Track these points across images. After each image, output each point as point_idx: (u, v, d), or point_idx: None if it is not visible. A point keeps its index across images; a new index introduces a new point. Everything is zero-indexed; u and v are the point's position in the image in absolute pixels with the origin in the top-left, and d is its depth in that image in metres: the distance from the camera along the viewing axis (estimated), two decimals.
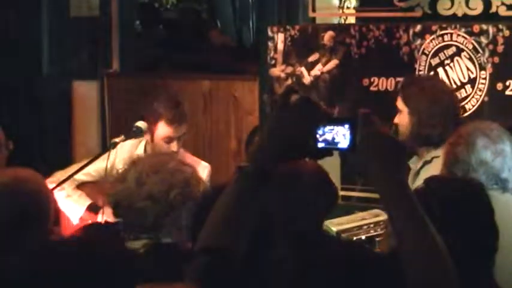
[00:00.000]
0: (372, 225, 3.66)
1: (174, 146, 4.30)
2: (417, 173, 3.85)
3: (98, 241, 2.80)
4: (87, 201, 4.33)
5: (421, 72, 4.71)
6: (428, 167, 3.82)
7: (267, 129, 1.93)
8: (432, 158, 3.83)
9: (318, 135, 1.88)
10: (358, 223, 3.73)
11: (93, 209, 4.30)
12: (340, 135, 1.87)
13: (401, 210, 1.85)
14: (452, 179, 2.77)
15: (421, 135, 3.84)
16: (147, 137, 4.37)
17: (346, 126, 1.87)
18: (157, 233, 2.78)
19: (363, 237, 3.63)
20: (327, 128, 1.88)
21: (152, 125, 4.29)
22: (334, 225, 3.67)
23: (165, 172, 2.83)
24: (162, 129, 4.30)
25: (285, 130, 1.89)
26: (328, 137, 1.88)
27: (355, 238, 3.62)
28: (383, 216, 3.50)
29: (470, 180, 2.67)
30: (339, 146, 1.88)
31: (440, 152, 3.68)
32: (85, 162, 4.21)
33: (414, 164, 3.89)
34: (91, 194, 4.38)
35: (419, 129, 3.83)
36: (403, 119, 3.88)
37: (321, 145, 1.88)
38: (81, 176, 4.35)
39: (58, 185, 4.01)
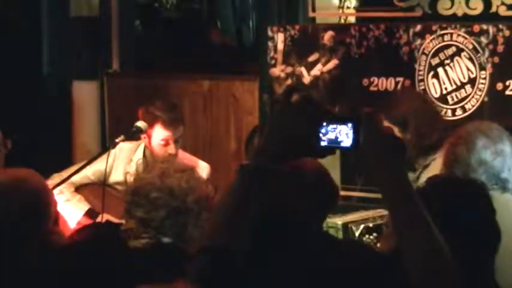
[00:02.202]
0: (377, 218, 3.68)
1: (171, 149, 4.30)
2: (417, 178, 3.85)
3: (98, 241, 2.80)
4: (86, 206, 4.33)
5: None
6: (427, 170, 3.82)
7: (268, 128, 1.93)
8: (430, 161, 3.84)
9: (321, 134, 1.88)
10: (363, 217, 3.76)
11: (91, 214, 4.30)
12: (343, 134, 1.87)
13: (404, 209, 1.85)
14: (454, 179, 2.77)
15: (424, 146, 3.84)
16: (145, 140, 4.38)
17: (349, 125, 1.87)
18: (159, 234, 2.77)
19: (371, 224, 3.66)
20: (330, 126, 1.88)
21: (149, 129, 4.29)
22: (338, 219, 3.69)
23: (192, 176, 2.85)
24: (159, 132, 4.30)
25: (286, 129, 1.89)
26: (331, 135, 1.88)
27: (362, 226, 3.63)
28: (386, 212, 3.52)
29: (471, 180, 2.67)
30: (342, 144, 1.88)
31: (437, 154, 3.69)
32: (84, 163, 4.21)
33: (411, 176, 3.90)
34: (89, 198, 4.38)
35: (421, 142, 3.83)
36: None
37: (323, 144, 1.88)
38: (79, 179, 4.35)
39: (57, 186, 4.01)
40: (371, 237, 3.68)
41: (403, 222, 1.85)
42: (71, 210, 4.32)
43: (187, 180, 2.82)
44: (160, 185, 2.80)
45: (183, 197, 2.79)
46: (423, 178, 3.67)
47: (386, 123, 3.85)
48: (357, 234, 3.67)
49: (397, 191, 1.86)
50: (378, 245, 3.64)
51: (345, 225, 3.67)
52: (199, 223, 2.80)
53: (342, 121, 1.88)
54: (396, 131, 3.86)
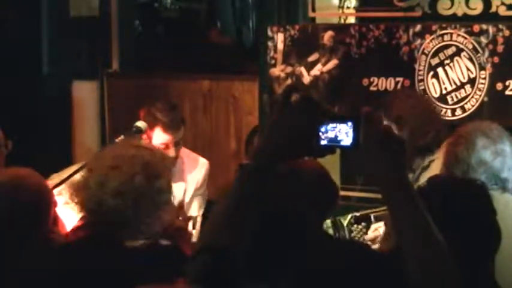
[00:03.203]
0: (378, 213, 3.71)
1: (171, 152, 4.29)
2: (416, 179, 3.84)
3: (96, 241, 2.80)
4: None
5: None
6: (426, 172, 3.81)
7: (268, 128, 1.93)
8: (429, 163, 3.83)
9: (320, 133, 1.88)
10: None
11: None
12: (343, 133, 1.88)
13: (404, 209, 1.85)
14: (454, 179, 2.78)
15: (419, 146, 3.83)
16: (145, 141, 4.37)
17: (349, 124, 1.87)
18: (154, 234, 2.76)
19: (357, 214, 3.69)
20: (330, 125, 1.88)
21: (149, 131, 4.28)
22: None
23: (123, 163, 2.77)
24: (159, 135, 4.29)
25: (285, 129, 1.89)
26: (331, 134, 1.88)
27: (349, 216, 3.65)
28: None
29: (471, 180, 2.68)
30: (342, 143, 1.88)
31: (436, 156, 3.69)
32: (83, 163, 4.21)
33: (409, 177, 3.88)
34: None
35: (416, 141, 3.82)
36: None
37: (323, 143, 1.89)
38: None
39: (56, 187, 4.00)
40: (359, 226, 3.69)
41: (402, 221, 1.86)
42: (68, 213, 4.32)
43: (123, 173, 2.75)
44: (106, 194, 2.74)
45: (131, 186, 2.73)
46: (422, 179, 3.66)
47: (385, 122, 3.86)
48: (345, 223, 3.67)
49: (397, 191, 1.86)
50: (368, 234, 3.66)
51: (333, 221, 3.68)
52: (163, 195, 2.77)
53: (342, 120, 1.88)
54: (393, 128, 3.87)
